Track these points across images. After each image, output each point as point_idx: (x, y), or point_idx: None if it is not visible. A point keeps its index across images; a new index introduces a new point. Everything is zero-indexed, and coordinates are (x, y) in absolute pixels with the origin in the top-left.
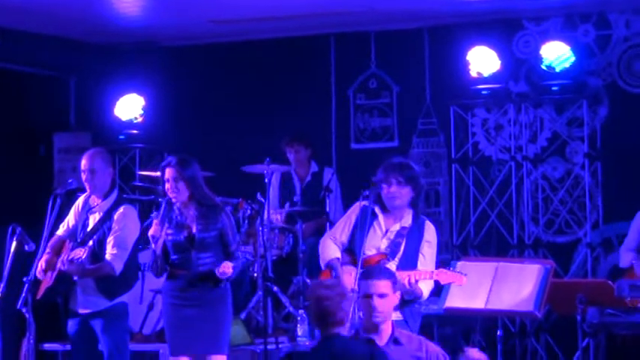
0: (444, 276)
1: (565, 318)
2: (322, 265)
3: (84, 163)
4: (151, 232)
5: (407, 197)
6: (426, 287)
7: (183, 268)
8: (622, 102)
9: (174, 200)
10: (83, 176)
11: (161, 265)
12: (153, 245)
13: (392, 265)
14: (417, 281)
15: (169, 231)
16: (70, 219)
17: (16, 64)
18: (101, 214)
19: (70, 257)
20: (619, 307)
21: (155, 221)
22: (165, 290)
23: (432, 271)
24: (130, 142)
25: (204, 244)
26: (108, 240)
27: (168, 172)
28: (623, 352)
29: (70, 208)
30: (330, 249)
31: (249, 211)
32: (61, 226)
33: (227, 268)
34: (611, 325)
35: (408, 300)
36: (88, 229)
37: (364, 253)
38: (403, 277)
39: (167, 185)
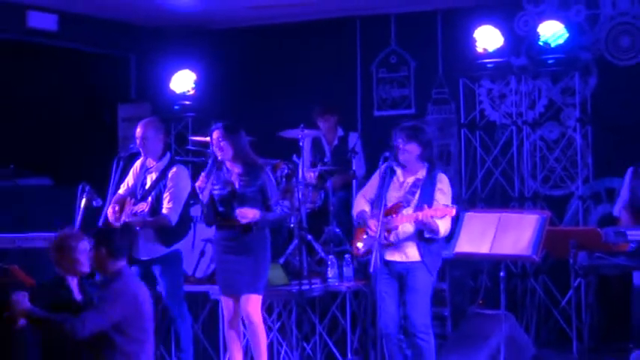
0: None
1: (560, 261)
2: (354, 216)
3: (138, 131)
4: (197, 184)
5: (414, 153)
6: (442, 224)
7: (228, 219)
8: (609, 73)
9: (219, 157)
10: (137, 142)
11: (208, 214)
12: (200, 195)
13: (409, 211)
14: (432, 217)
15: (217, 186)
16: (130, 180)
17: (85, 45)
18: (157, 173)
19: (134, 211)
20: (606, 251)
21: (203, 174)
22: (215, 239)
23: (433, 210)
24: (184, 111)
25: (245, 197)
26: (164, 196)
27: (215, 134)
28: (610, 290)
29: (130, 169)
30: (360, 204)
31: (286, 171)
32: (121, 186)
33: (245, 212)
34: (599, 267)
35: (428, 239)
36: (146, 187)
37: (386, 204)
38: (420, 214)
39: (214, 144)
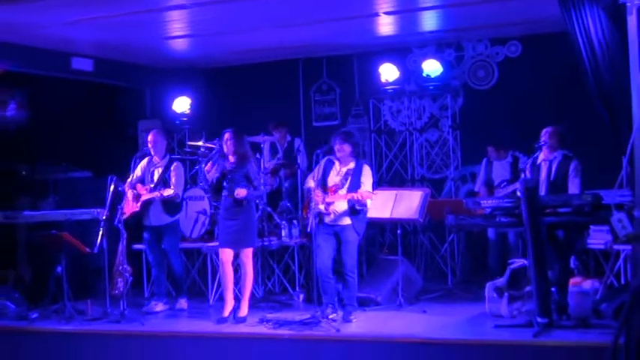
0: (367, 194)
1: (439, 222)
2: (305, 190)
3: (149, 138)
4: (205, 168)
5: (347, 151)
6: (368, 201)
7: (226, 194)
8: (471, 95)
9: (225, 151)
10: (149, 145)
11: (213, 192)
12: (207, 175)
13: (343, 191)
14: (361, 197)
15: (216, 172)
16: (138, 172)
17: (114, 80)
18: (162, 168)
19: (161, 194)
20: (467, 214)
21: (210, 162)
22: (220, 207)
23: (362, 192)
24: (182, 125)
25: (235, 179)
26: (171, 182)
27: (226, 135)
28: (473, 241)
29: (138, 164)
30: (309, 182)
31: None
32: (131, 175)
33: (240, 192)
34: (464, 226)
35: (358, 209)
36: (155, 177)
37: (327, 184)
38: (355, 195)
39: (224, 141)
